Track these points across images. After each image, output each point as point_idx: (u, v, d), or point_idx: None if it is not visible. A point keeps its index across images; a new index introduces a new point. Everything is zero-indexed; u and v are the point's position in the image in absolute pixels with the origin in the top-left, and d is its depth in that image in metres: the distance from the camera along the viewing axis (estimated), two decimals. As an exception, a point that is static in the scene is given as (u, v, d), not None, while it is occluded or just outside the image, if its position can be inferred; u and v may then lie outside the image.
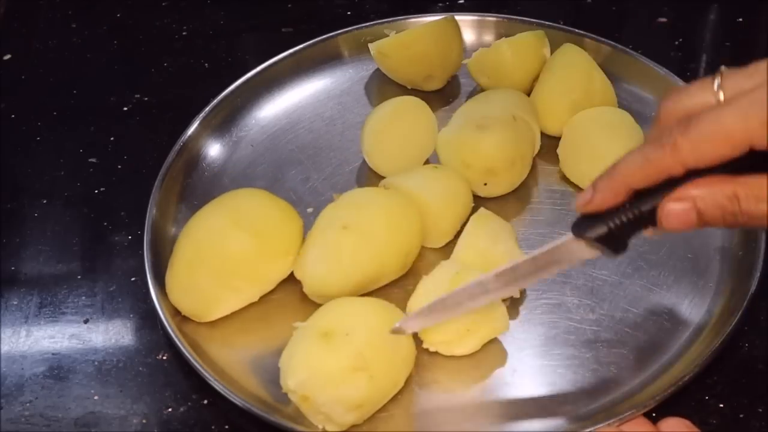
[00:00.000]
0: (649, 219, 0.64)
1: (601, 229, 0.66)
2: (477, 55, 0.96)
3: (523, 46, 0.95)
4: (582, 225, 0.67)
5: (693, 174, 0.62)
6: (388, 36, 0.98)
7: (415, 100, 0.91)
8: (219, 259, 0.78)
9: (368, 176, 0.91)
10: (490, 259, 0.79)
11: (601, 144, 0.86)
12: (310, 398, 0.71)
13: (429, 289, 0.76)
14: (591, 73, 0.92)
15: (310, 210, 0.87)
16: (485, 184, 0.86)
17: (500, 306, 0.77)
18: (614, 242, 0.67)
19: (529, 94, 0.94)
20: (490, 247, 0.81)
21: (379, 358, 0.71)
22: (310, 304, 0.80)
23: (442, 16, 0.98)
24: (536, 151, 0.91)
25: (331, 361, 0.70)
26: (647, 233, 0.66)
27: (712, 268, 0.83)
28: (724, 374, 0.76)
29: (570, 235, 0.68)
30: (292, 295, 0.82)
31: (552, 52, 0.96)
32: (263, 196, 0.82)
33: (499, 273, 0.71)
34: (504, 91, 0.92)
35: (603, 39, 0.99)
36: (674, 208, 0.62)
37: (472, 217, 0.83)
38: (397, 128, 0.89)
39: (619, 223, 0.65)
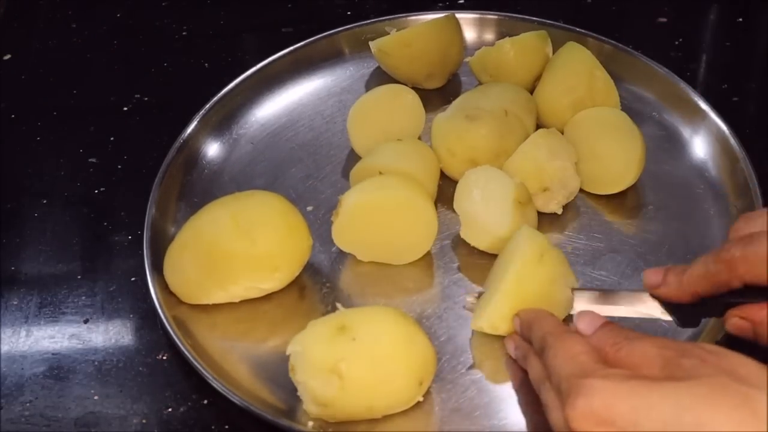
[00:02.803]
0: (719, 311, 0.69)
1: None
2: (480, 54, 0.96)
3: (526, 46, 0.95)
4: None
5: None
6: (389, 34, 0.99)
7: (402, 87, 0.92)
8: (207, 250, 0.78)
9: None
10: (545, 171, 0.84)
11: (598, 144, 0.87)
12: (294, 370, 0.72)
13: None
14: (593, 71, 0.92)
15: (309, 208, 0.87)
16: None
17: (572, 166, 0.85)
18: (688, 319, 0.72)
19: (531, 92, 0.94)
20: (546, 159, 0.84)
21: (363, 379, 0.71)
22: (311, 306, 0.81)
23: (443, 14, 0.99)
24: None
25: (322, 352, 0.71)
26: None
27: None
28: (724, 374, 0.76)
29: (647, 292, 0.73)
30: (293, 295, 0.82)
31: (552, 51, 0.96)
32: (277, 204, 0.81)
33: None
34: (503, 86, 0.92)
35: (602, 38, 0.99)
36: (736, 322, 0.68)
37: (538, 131, 0.86)
38: (379, 112, 0.90)
39: (690, 306, 0.70)
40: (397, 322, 0.73)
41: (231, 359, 0.78)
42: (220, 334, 0.79)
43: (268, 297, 0.81)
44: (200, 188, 0.90)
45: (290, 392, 0.74)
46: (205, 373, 0.75)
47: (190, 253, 0.79)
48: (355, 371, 0.70)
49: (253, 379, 0.77)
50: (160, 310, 0.79)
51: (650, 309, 0.73)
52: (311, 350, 0.72)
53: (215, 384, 0.74)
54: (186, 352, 0.76)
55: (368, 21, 1.03)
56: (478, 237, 0.83)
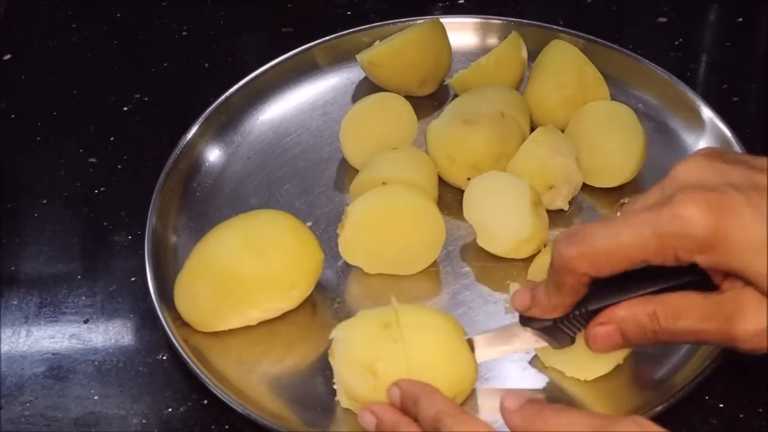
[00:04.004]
0: (585, 321, 0.68)
1: (546, 323, 0.69)
2: (459, 76, 0.96)
3: (503, 58, 0.94)
4: (528, 320, 0.70)
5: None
6: (368, 44, 0.98)
7: (392, 95, 0.92)
8: (220, 276, 0.77)
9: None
10: (549, 168, 0.84)
11: (601, 137, 0.88)
12: (333, 355, 0.73)
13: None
14: (582, 67, 0.92)
15: (308, 224, 0.85)
16: (468, 179, 0.86)
17: (574, 161, 0.85)
18: (560, 335, 0.69)
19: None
20: (549, 157, 0.84)
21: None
22: (324, 323, 0.80)
23: (425, 19, 0.98)
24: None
25: (361, 348, 0.71)
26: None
27: None
28: (724, 374, 0.76)
29: (516, 323, 0.71)
30: (305, 313, 0.81)
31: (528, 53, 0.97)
32: (286, 221, 0.80)
33: None
34: (495, 88, 0.92)
35: (600, 40, 0.99)
36: (599, 332, 0.66)
37: (537, 129, 0.86)
38: (372, 121, 0.90)
39: (565, 321, 0.68)
40: (447, 331, 0.72)
41: (230, 363, 0.78)
42: (220, 339, 0.79)
43: (281, 317, 0.80)
44: (200, 200, 0.90)
45: (314, 410, 0.75)
46: (204, 377, 0.75)
47: (202, 280, 0.77)
48: (390, 373, 0.70)
49: (252, 383, 0.76)
50: (162, 319, 0.78)
51: (524, 339, 0.71)
52: (352, 342, 0.71)
53: (214, 389, 0.74)
54: (186, 358, 0.76)
55: (344, 32, 1.02)
56: (498, 244, 0.83)
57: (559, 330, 0.69)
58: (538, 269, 0.80)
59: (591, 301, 0.67)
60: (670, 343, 0.65)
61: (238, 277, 0.77)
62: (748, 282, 0.61)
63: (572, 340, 0.70)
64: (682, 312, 0.63)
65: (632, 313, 0.65)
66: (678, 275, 0.65)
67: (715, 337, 0.63)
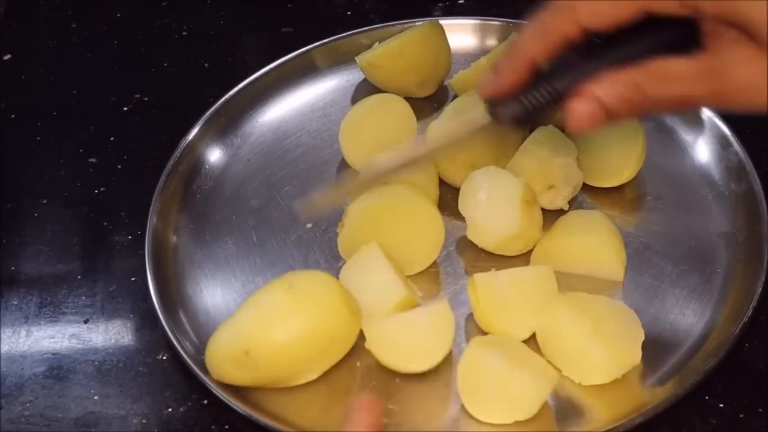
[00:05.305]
0: (562, 98, 0.62)
1: (517, 110, 0.64)
2: (459, 76, 0.96)
3: None
4: (497, 106, 0.65)
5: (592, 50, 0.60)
6: (367, 46, 0.98)
7: (391, 96, 0.92)
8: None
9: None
10: (550, 168, 0.84)
11: (600, 137, 0.87)
12: None
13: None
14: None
15: (309, 225, 0.86)
16: None
17: (574, 162, 0.84)
18: (527, 120, 0.66)
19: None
20: (549, 157, 0.85)
21: None
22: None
23: (423, 21, 0.98)
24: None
25: None
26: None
27: (718, 256, 0.83)
28: (724, 374, 0.76)
29: (484, 114, 0.67)
30: None
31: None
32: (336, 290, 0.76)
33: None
34: None
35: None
36: (580, 108, 0.61)
37: (537, 129, 0.86)
38: (371, 123, 0.90)
39: (535, 102, 0.63)
40: None
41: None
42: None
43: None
44: (201, 202, 0.90)
45: (315, 410, 0.75)
46: (204, 377, 0.75)
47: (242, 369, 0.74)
48: None
49: (275, 399, 0.76)
50: (175, 342, 0.78)
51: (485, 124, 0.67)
52: None
53: (214, 389, 0.75)
54: (186, 358, 0.76)
55: (343, 34, 1.02)
56: (485, 238, 0.83)
57: (528, 115, 0.64)
58: (539, 259, 0.81)
59: (558, 80, 0.62)
60: (659, 113, 0.61)
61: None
62: (746, 32, 0.57)
63: (534, 121, 0.67)
64: (666, 77, 0.59)
65: (610, 85, 0.60)
66: (649, 36, 0.60)
67: (706, 98, 0.59)
